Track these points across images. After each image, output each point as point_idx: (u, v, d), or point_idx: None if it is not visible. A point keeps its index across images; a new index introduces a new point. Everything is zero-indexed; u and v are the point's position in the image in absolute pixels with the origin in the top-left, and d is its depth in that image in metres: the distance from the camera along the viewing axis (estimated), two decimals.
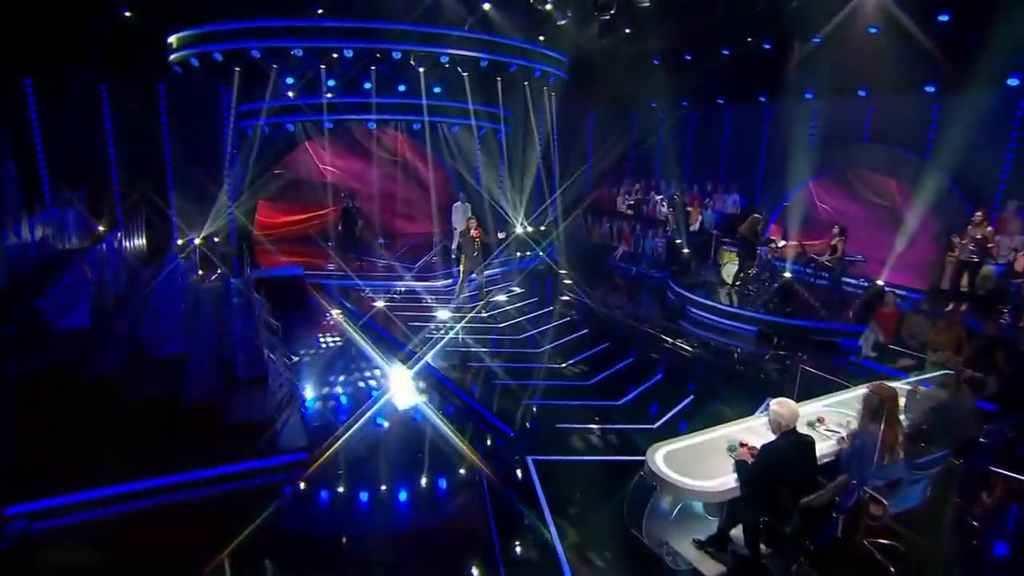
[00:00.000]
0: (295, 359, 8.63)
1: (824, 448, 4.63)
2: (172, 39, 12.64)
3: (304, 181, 16.27)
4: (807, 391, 6.20)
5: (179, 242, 13.11)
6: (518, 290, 12.47)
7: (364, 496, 5.68)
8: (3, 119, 12.12)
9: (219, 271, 11.50)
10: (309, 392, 7.75)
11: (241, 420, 6.39)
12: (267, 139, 14.33)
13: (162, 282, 8.45)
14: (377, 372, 8.47)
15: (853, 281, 11.83)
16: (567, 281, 13.44)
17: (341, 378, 8.27)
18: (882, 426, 4.27)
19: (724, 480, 4.27)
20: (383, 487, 5.79)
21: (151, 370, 6.62)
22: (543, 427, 6.85)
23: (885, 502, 4.29)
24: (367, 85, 14.19)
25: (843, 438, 4.78)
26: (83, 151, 12.90)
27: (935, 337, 7.68)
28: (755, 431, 4.86)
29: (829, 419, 5.16)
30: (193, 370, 6.94)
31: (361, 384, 8.12)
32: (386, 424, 6.98)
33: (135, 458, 5.58)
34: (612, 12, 12.44)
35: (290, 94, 13.93)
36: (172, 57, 12.85)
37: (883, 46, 11.30)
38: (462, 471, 6.03)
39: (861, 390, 4.88)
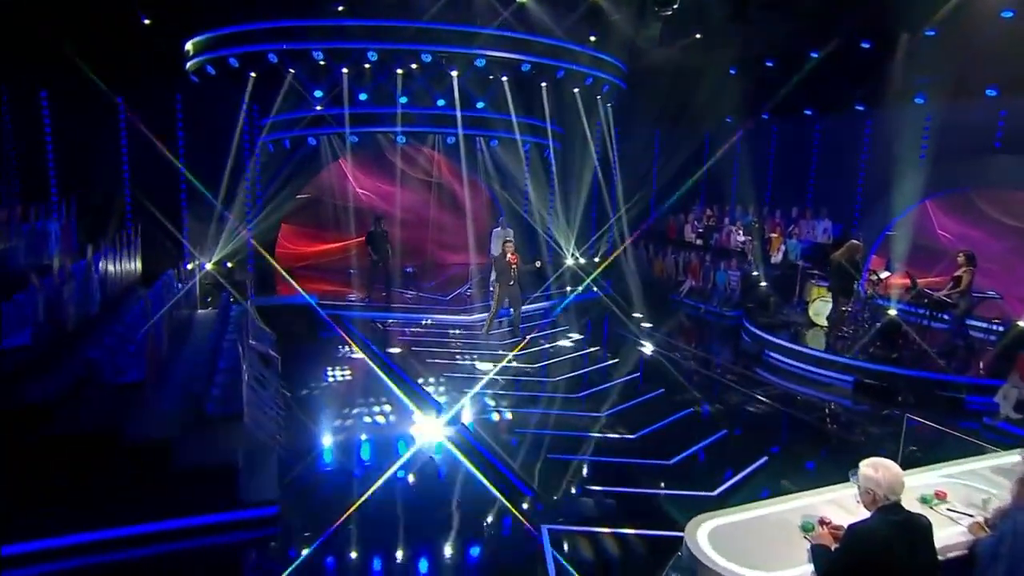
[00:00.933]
0: (289, 396, 8.35)
1: (948, 536, 3.73)
2: (188, 45, 13.07)
3: (331, 204, 16.35)
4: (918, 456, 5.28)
5: (189, 266, 13.18)
6: (570, 334, 12.01)
7: (336, 562, 5.21)
8: (17, 131, 12.68)
9: (229, 298, 11.43)
10: (298, 435, 7.36)
11: (197, 463, 5.85)
12: (288, 156, 14.46)
13: (143, 306, 8.27)
14: (387, 411, 8.33)
15: (982, 324, 10.68)
16: (627, 318, 13.02)
17: (341, 420, 7.99)
18: None
19: (796, 572, 3.47)
20: (360, 553, 5.32)
21: (97, 399, 6.24)
22: (567, 489, 6.31)
23: None
24: (403, 100, 14.26)
25: (981, 524, 3.79)
26: (95, 166, 13.36)
27: None
28: (842, 504, 4.00)
29: (954, 495, 4.17)
30: (148, 401, 6.52)
31: (366, 422, 7.91)
32: (376, 475, 6.46)
33: (52, 505, 5.13)
34: (675, 6, 12.02)
35: (318, 108, 14.05)
36: (188, 65, 13.29)
37: (1022, 33, 10.27)
38: (461, 537, 5.57)
39: (1008, 458, 4.21)
